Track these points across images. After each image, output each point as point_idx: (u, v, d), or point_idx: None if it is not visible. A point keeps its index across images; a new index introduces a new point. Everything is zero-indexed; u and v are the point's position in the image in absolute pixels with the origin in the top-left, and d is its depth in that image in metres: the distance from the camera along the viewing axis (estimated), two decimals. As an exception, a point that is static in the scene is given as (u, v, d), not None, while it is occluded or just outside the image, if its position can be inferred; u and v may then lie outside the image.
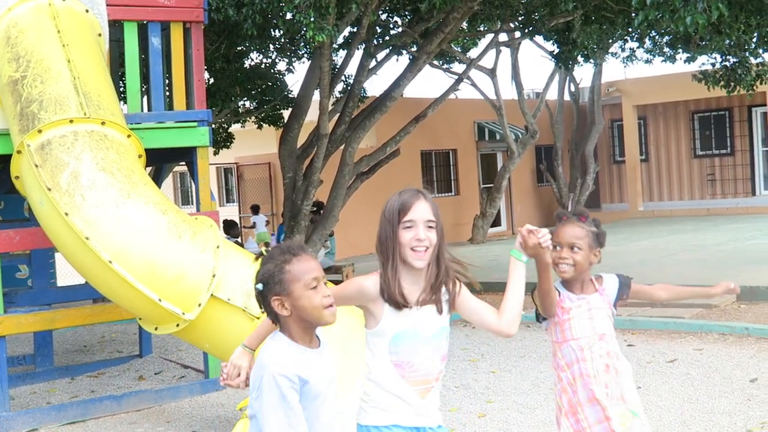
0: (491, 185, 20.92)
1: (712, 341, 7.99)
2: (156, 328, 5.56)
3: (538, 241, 2.99)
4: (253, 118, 15.37)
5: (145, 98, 8.26)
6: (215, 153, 15.47)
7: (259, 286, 2.71)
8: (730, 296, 9.96)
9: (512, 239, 19.83)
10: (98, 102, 6.02)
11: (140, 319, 5.75)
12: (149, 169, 9.11)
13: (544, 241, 3.00)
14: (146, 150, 6.24)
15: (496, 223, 22.02)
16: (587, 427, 3.34)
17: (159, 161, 8.63)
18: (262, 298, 2.73)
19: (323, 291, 2.70)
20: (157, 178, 9.23)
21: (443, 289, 2.97)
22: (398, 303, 2.89)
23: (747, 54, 14.32)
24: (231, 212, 19.41)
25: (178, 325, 5.40)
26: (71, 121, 5.74)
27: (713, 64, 14.73)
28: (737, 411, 5.79)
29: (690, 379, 6.70)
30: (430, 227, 2.94)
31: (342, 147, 13.62)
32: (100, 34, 6.74)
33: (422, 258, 2.92)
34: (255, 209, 17.65)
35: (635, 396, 3.42)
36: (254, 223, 17.52)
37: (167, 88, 7.78)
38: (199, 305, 5.32)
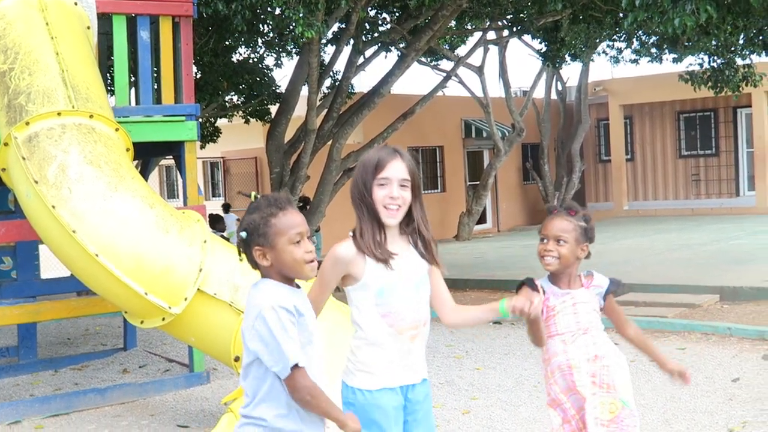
0: (477, 183, 20.97)
1: (695, 341, 8.05)
2: (141, 322, 5.56)
3: (528, 314, 3.02)
4: (240, 112, 15.34)
5: (133, 92, 8.24)
6: (202, 147, 15.43)
7: (243, 234, 2.77)
8: (713, 298, 10.03)
9: (498, 237, 19.85)
10: (86, 95, 6.00)
11: (126, 312, 5.75)
12: (136, 162, 9.09)
13: (533, 313, 3.03)
14: (134, 143, 6.22)
15: (482, 220, 22.07)
16: (572, 417, 3.38)
17: (146, 155, 8.61)
18: (245, 246, 2.80)
19: (306, 246, 2.79)
20: (144, 172, 9.20)
21: (420, 241, 3.06)
22: (377, 255, 2.95)
23: (733, 56, 14.41)
24: (217, 206, 19.37)
25: (164, 319, 5.40)
26: (59, 114, 5.72)
27: (700, 65, 14.81)
28: (719, 410, 5.84)
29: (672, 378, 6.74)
30: (404, 186, 3.00)
31: (329, 143, 13.62)
32: (88, 27, 6.72)
33: (394, 216, 2.99)
34: (226, 208, 16.48)
35: (628, 387, 3.43)
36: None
37: (155, 81, 7.76)
38: (186, 299, 5.32)
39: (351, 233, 3.04)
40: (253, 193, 2.90)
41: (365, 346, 2.99)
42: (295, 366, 2.68)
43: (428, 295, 3.09)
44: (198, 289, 5.33)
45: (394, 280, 2.98)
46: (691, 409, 5.91)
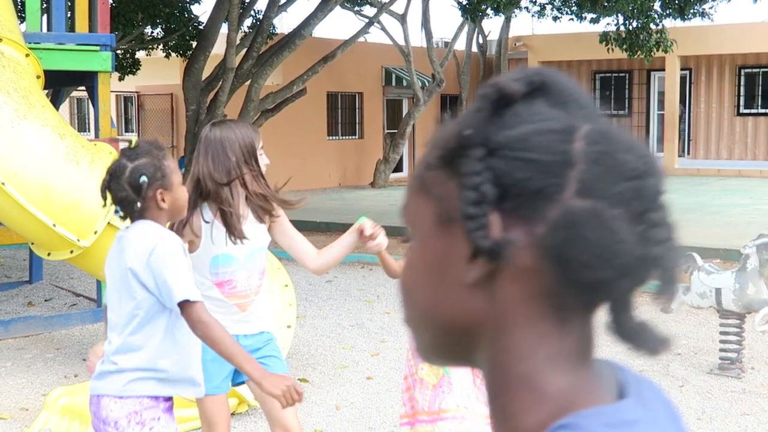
0: (395, 131, 21.01)
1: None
2: (49, 254, 5.45)
3: (372, 241, 3.22)
4: (160, 46, 14.96)
5: (45, 18, 7.94)
6: (120, 79, 15.00)
7: (144, 178, 2.71)
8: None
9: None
10: (-5, 17, 5.77)
11: (32, 244, 5.62)
12: (46, 92, 8.80)
13: (374, 247, 3.24)
14: (45, 72, 6.02)
15: (398, 168, 22.17)
16: (412, 374, 3.46)
17: (57, 84, 8.34)
18: (141, 191, 2.75)
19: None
20: (55, 102, 8.92)
21: (256, 215, 3.26)
22: (227, 234, 3.16)
23: (648, 20, 14.70)
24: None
25: (72, 252, 5.30)
26: (-34, 35, 5.49)
27: (617, 27, 15.06)
28: (618, 358, 6.05)
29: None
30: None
31: (248, 83, 13.43)
32: (-1, -54, 6.42)
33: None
34: None
35: None
36: None
37: (69, 9, 7.50)
38: (95, 233, 5.22)
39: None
40: (133, 140, 2.86)
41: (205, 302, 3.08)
42: (195, 300, 2.68)
43: (262, 266, 3.32)
44: (108, 222, 5.24)
45: (225, 252, 3.19)
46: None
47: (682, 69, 22.39)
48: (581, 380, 0.78)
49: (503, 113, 0.78)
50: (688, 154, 23.28)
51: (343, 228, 12.51)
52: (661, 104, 23.41)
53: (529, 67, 0.83)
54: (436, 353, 0.83)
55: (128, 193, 2.74)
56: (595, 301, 0.77)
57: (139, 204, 2.74)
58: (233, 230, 3.15)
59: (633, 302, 0.77)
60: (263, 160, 3.28)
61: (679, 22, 16.56)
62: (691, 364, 5.88)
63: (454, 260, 0.77)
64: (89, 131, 19.54)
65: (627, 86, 24.04)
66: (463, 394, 3.37)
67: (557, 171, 0.74)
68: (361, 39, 17.40)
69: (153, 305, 2.75)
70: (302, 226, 12.85)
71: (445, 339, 0.81)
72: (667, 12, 14.55)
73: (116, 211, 2.81)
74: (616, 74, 24.06)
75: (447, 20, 48.80)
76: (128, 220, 2.83)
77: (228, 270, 3.20)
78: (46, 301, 7.96)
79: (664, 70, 22.27)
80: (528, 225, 0.75)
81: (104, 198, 2.78)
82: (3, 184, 5.07)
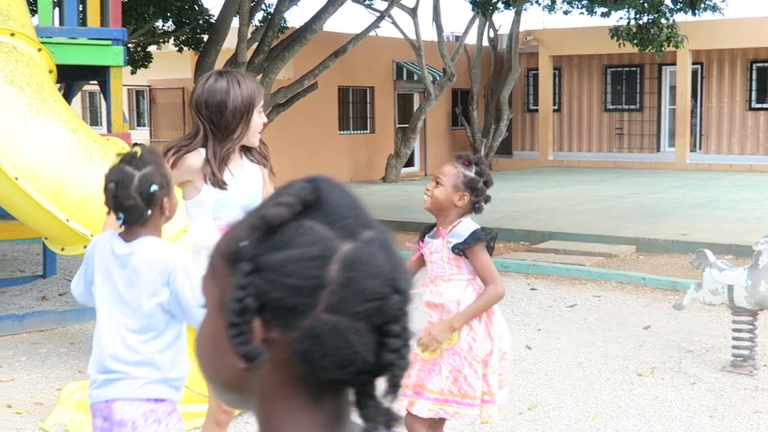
0: (407, 125, 20.98)
1: (611, 289, 8.29)
2: (62, 249, 5.46)
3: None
4: (172, 40, 14.97)
5: (57, 12, 7.96)
6: (133, 72, 15.02)
7: (155, 187, 2.71)
8: (630, 248, 10.32)
9: (425, 180, 19.96)
10: (7, 12, 5.78)
11: (46, 238, 5.64)
12: (59, 86, 8.82)
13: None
14: (57, 66, 6.03)
15: (410, 163, 22.15)
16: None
17: (70, 78, 8.37)
18: (152, 201, 2.76)
19: None
20: (67, 96, 8.95)
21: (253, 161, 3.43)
22: (219, 180, 3.28)
23: (659, 15, 14.62)
24: (142, 137, 18.98)
25: (85, 247, 5.30)
26: (-21, 30, 5.51)
27: (628, 21, 14.98)
28: (630, 355, 6.05)
29: (588, 324, 6.95)
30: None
31: (259, 77, 13.41)
32: (12, -59, 6.44)
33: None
34: None
35: (453, 334, 3.43)
36: None
37: (81, 3, 7.51)
38: (108, 228, 5.23)
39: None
40: (137, 149, 2.84)
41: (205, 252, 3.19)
42: None
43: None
44: (121, 217, 5.25)
45: (227, 195, 3.30)
46: (604, 353, 6.11)
47: (693, 63, 22.28)
48: None
49: (274, 234, 0.91)
50: (700, 149, 23.17)
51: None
52: (672, 99, 23.30)
53: (319, 176, 0.96)
54: (223, 399, 1.01)
55: (137, 201, 2.74)
56: (340, 387, 0.94)
57: (150, 212, 2.74)
58: (212, 178, 3.28)
59: (372, 389, 0.94)
60: (261, 118, 3.34)
61: (690, 17, 16.47)
62: (704, 362, 5.87)
63: (228, 344, 0.91)
64: (101, 125, 19.60)
65: (638, 81, 23.94)
66: (450, 378, 3.39)
67: (309, 293, 0.89)
68: (372, 33, 17.37)
69: (167, 320, 2.79)
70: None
71: (226, 393, 0.98)
72: (678, 6, 14.47)
73: (118, 218, 2.80)
74: (628, 68, 23.95)
75: (458, 14, 48.72)
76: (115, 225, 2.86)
77: (231, 214, 3.23)
78: (60, 295, 7.98)
79: (675, 64, 22.16)
80: (284, 330, 0.90)
81: (111, 206, 2.78)
82: (16, 179, 5.09)
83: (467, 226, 3.44)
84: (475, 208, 3.47)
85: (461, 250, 3.40)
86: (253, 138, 3.33)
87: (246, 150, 3.41)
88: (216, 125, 3.25)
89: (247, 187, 3.37)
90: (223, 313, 0.92)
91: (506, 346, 3.53)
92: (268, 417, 0.95)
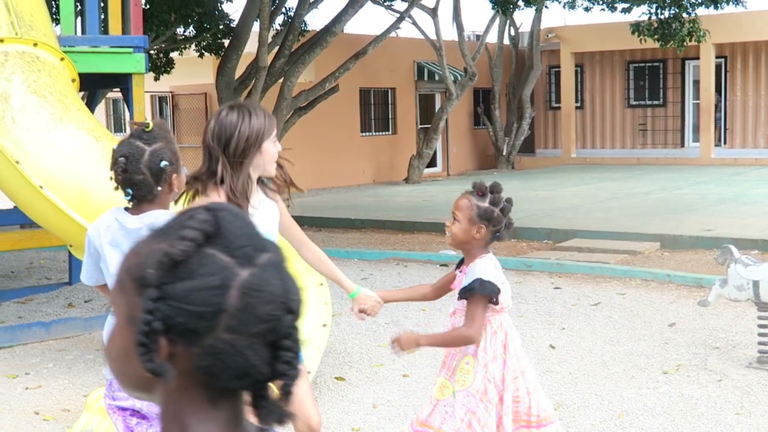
0: (428, 126, 20.97)
1: (635, 286, 8.24)
2: (87, 256, 5.51)
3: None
4: (193, 46, 15.07)
5: (79, 21, 8.04)
6: (156, 79, 15.13)
7: (165, 163, 2.72)
8: (654, 245, 10.25)
9: (447, 180, 19.88)
10: (30, 22, 5.85)
11: (71, 246, 5.70)
12: (82, 94, 8.91)
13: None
14: (80, 75, 6.10)
15: (432, 163, 22.14)
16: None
17: (92, 87, 8.45)
18: (162, 176, 2.76)
19: None
20: (90, 104, 9.03)
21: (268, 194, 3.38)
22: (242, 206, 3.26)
23: (680, 10, 14.52)
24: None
25: (109, 254, 5.36)
26: (1, 41, 5.58)
27: (649, 16, 14.89)
28: (655, 353, 6.02)
29: (612, 322, 6.92)
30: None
31: (281, 81, 13.48)
32: (33, -48, 6.51)
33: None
34: None
35: (466, 378, 3.42)
36: None
37: (102, 11, 7.58)
38: (132, 234, 5.28)
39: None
40: (151, 123, 2.83)
41: None
42: None
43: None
44: (145, 224, 5.30)
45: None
46: (629, 351, 6.08)
47: (717, 57, 22.10)
48: None
49: (178, 266, 1.02)
50: (725, 143, 22.97)
51: (377, 224, 12.53)
52: (696, 93, 23.12)
53: (219, 205, 1.08)
54: (132, 396, 1.15)
55: (146, 176, 2.75)
56: (238, 392, 1.07)
57: (159, 188, 2.76)
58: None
59: (266, 392, 1.07)
60: (276, 147, 3.26)
61: (712, 10, 16.34)
62: (730, 358, 5.82)
63: (136, 355, 1.02)
64: (124, 131, 19.73)
65: (661, 76, 23.78)
66: (464, 422, 3.38)
67: (210, 317, 1.02)
68: (393, 34, 17.38)
69: None
70: (337, 223, 12.88)
71: (134, 392, 1.10)
72: (700, 0, 14.36)
73: (127, 194, 2.81)
74: (650, 64, 23.80)
75: (478, 13, 48.60)
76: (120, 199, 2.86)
77: None
78: (86, 302, 8.06)
79: (698, 58, 22.00)
80: (187, 347, 1.03)
81: (120, 182, 2.78)
82: (41, 187, 5.15)
83: (479, 268, 3.38)
84: (495, 237, 3.44)
85: (462, 295, 3.42)
86: (269, 167, 3.27)
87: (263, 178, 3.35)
88: (229, 157, 3.24)
89: (265, 228, 3.26)
90: (131, 327, 1.03)
91: (524, 365, 3.49)
92: (173, 414, 1.07)
